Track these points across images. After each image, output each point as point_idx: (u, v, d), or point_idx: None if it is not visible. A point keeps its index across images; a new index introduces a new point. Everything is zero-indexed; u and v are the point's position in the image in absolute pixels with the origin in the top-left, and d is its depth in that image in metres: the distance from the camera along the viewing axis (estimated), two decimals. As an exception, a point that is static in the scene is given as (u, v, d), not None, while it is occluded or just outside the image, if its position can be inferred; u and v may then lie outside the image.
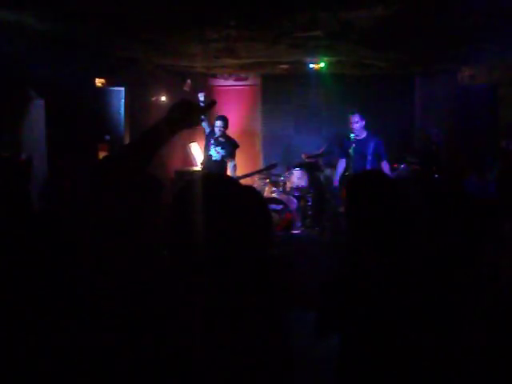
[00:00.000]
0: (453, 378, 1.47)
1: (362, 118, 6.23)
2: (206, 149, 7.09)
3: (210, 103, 1.74)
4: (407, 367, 1.47)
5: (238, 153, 7.15)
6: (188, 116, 1.49)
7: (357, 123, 6.18)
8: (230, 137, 7.05)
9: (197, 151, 9.06)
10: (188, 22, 5.14)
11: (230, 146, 6.94)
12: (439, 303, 1.53)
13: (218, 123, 6.85)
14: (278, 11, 4.16)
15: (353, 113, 6.22)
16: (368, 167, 6.04)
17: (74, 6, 4.59)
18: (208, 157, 7.02)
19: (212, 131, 6.99)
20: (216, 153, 6.92)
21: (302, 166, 7.58)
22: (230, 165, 6.94)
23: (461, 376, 1.45)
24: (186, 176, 8.07)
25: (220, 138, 6.90)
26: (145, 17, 5.10)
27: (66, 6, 4.59)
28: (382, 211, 1.61)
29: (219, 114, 7.14)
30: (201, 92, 7.12)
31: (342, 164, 6.55)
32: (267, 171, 7.52)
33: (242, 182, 8.04)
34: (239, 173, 7.09)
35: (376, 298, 1.54)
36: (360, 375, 1.53)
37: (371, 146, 6.13)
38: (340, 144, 6.59)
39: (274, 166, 7.34)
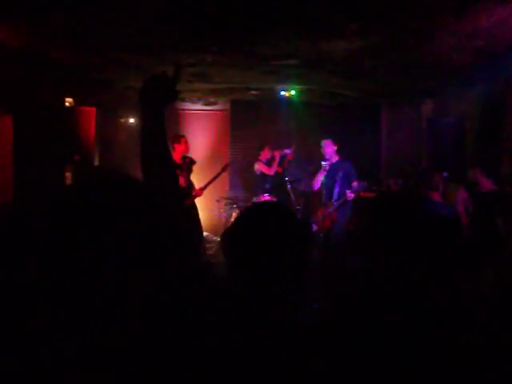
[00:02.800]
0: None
1: (334, 143, 6.55)
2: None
3: (177, 67, 1.58)
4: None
5: (205, 177, 6.94)
6: (158, 89, 1.44)
7: (328, 147, 6.51)
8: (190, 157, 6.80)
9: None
10: (165, 44, 5.13)
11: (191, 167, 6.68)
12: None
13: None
14: (261, 39, 4.20)
15: (325, 138, 6.59)
16: (337, 190, 6.39)
17: (49, 22, 4.51)
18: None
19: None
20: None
21: (271, 191, 7.60)
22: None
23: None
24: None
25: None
26: (120, 37, 5.05)
27: (41, 22, 4.50)
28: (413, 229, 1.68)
29: (186, 138, 6.77)
30: None
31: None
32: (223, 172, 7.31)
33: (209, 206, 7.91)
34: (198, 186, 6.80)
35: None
36: None
37: (342, 169, 6.43)
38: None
39: (226, 166, 7.38)
